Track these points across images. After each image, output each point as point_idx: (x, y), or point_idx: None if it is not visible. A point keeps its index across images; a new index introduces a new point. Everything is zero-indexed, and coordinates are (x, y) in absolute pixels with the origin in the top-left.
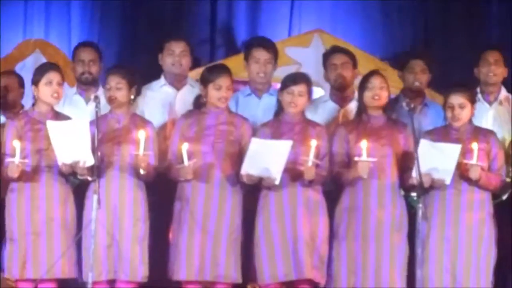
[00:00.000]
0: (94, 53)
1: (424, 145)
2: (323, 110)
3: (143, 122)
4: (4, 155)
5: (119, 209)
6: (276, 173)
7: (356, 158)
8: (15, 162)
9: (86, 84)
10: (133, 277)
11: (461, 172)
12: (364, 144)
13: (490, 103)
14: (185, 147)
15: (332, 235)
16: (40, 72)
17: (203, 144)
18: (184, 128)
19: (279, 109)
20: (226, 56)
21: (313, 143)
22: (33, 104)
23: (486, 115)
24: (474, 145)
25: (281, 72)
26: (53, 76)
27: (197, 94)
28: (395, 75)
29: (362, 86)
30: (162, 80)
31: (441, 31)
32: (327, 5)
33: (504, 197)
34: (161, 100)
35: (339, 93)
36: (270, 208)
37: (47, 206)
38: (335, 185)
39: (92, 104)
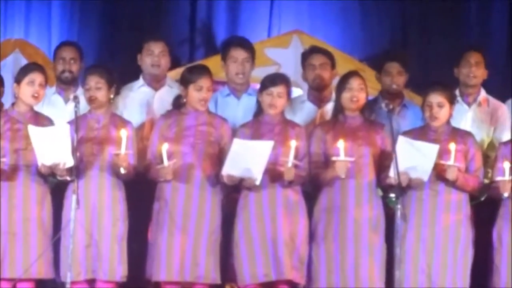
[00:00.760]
0: (75, 52)
1: (402, 142)
2: (301, 111)
3: (123, 122)
4: None
5: (98, 209)
6: (257, 174)
7: (333, 158)
8: None
9: (65, 83)
10: (112, 277)
11: (438, 173)
12: (341, 143)
13: (469, 104)
14: (165, 147)
15: (310, 236)
16: (24, 71)
17: (182, 145)
18: (164, 128)
19: (259, 110)
20: (205, 56)
21: (293, 143)
22: (13, 104)
23: (465, 117)
24: (452, 146)
25: (261, 72)
26: (36, 77)
27: (177, 95)
28: (374, 76)
29: (340, 87)
30: (140, 80)
31: (419, 31)
32: (306, 6)
33: (482, 198)
34: (139, 101)
35: (317, 93)
36: (249, 208)
37: (24, 206)
38: (312, 185)
39: (71, 104)
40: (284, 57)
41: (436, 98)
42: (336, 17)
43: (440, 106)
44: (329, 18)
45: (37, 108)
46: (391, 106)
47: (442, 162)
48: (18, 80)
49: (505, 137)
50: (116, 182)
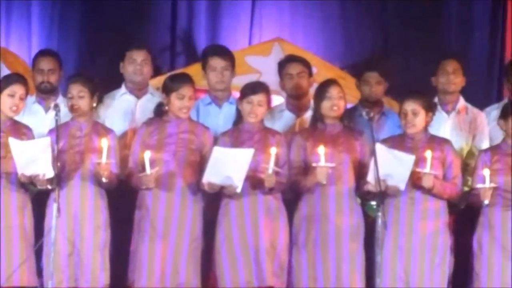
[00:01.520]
0: (54, 62)
1: (380, 150)
2: (280, 120)
3: (105, 130)
4: None
5: (80, 217)
6: (238, 181)
7: (314, 164)
8: None
9: (45, 93)
10: (94, 285)
11: (414, 181)
12: (321, 149)
13: (448, 112)
14: (147, 155)
15: (292, 243)
16: (6, 81)
17: (164, 152)
18: (145, 136)
19: (239, 118)
20: (186, 64)
21: (273, 151)
22: None
23: (444, 125)
24: (428, 154)
25: (242, 80)
26: (17, 89)
27: (159, 102)
28: (354, 84)
29: (319, 96)
30: (122, 88)
31: (400, 39)
32: (287, 14)
33: (463, 206)
34: (121, 109)
35: (295, 102)
36: (231, 216)
37: (5, 214)
38: (292, 193)
39: (51, 113)
40: (265, 65)
41: (410, 105)
42: (317, 25)
43: (415, 113)
44: (310, 26)
45: (17, 117)
46: (371, 114)
47: (418, 170)
48: None
49: (485, 144)
50: (98, 190)
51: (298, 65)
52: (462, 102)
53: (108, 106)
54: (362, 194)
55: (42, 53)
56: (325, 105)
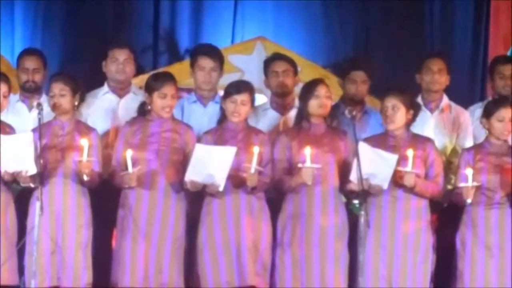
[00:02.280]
0: (39, 62)
1: (363, 148)
2: (264, 119)
3: (87, 129)
4: None
5: (62, 216)
6: (220, 180)
7: (300, 165)
8: None
9: (29, 92)
10: (76, 284)
11: (396, 179)
12: (308, 150)
13: (431, 111)
14: (129, 153)
15: (275, 242)
16: None
17: (147, 151)
18: (129, 135)
19: (222, 117)
20: (169, 63)
21: (256, 150)
22: None
23: (428, 123)
24: (409, 152)
25: (224, 79)
26: (0, 87)
27: (142, 101)
28: (337, 82)
29: (307, 95)
30: (105, 87)
31: (383, 38)
32: (270, 12)
33: (445, 204)
34: (104, 108)
35: (280, 100)
36: (213, 215)
37: None
38: (276, 192)
39: (35, 111)
40: (248, 63)
41: (390, 101)
42: (299, 24)
43: (395, 109)
44: (292, 25)
45: (1, 116)
46: (354, 113)
47: (400, 168)
48: None
49: (468, 143)
50: (80, 189)
51: (284, 63)
52: (445, 100)
53: (90, 105)
54: (345, 193)
55: (27, 52)
56: (313, 103)
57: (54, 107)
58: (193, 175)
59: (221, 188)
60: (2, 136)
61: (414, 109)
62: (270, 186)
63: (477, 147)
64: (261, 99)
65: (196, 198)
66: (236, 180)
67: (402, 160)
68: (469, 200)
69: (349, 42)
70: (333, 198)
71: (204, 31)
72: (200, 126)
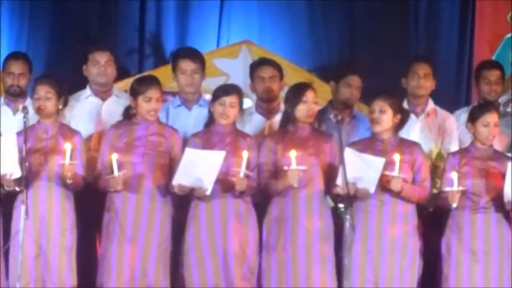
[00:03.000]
0: (25, 66)
1: (349, 153)
2: (249, 123)
3: (71, 132)
4: None
5: (47, 219)
6: (208, 184)
7: (285, 167)
8: None
9: (14, 96)
10: (61, 286)
11: (383, 184)
12: (293, 153)
13: (417, 115)
14: (114, 157)
15: (262, 246)
16: None
17: (133, 155)
18: (114, 138)
19: (210, 120)
20: (154, 67)
21: (245, 154)
22: None
23: (413, 127)
24: (396, 157)
25: (210, 83)
26: None
27: (127, 105)
28: (322, 86)
29: (295, 99)
30: (87, 90)
31: (368, 41)
32: (255, 16)
33: (431, 208)
34: (87, 111)
35: (266, 105)
36: (200, 218)
37: None
38: (262, 196)
39: (19, 115)
40: (233, 67)
41: (378, 104)
42: (284, 27)
43: (382, 111)
44: (278, 29)
45: None
46: (339, 117)
47: (387, 173)
48: None
49: (453, 147)
50: (64, 192)
51: (270, 69)
52: (431, 105)
53: (73, 108)
54: (332, 197)
55: (13, 57)
56: (301, 108)
57: (39, 110)
58: (182, 178)
59: (208, 192)
60: None
61: (402, 114)
62: (257, 190)
63: (463, 152)
64: (247, 103)
65: (183, 201)
66: (225, 184)
67: (389, 164)
68: (454, 205)
69: (334, 45)
70: (318, 201)
71: (190, 34)
72: (186, 129)
